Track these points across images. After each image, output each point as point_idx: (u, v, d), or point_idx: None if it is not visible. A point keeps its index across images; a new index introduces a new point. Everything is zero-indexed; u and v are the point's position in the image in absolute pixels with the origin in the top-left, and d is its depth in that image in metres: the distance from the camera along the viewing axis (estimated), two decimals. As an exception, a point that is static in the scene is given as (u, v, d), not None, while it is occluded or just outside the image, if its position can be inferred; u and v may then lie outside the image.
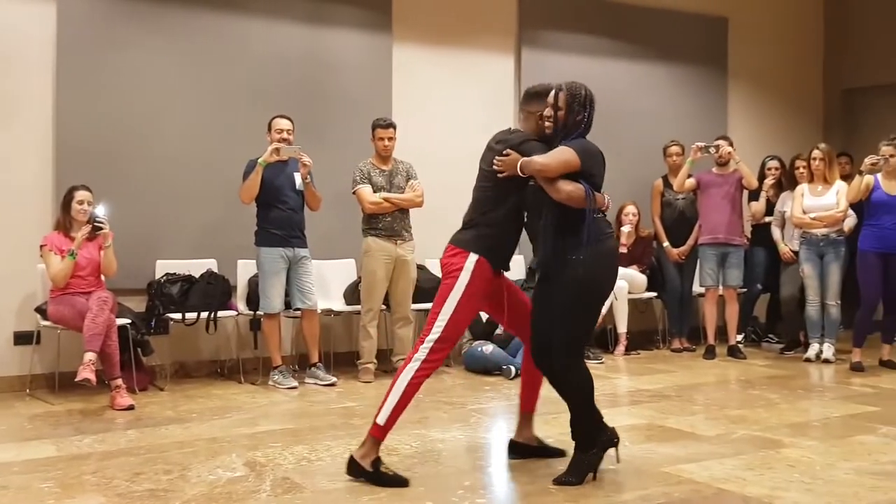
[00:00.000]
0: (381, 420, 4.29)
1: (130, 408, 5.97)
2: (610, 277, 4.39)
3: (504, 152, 4.34)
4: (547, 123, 4.35)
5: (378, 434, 4.30)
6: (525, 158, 4.24)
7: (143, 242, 7.10)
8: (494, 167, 4.37)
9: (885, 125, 9.50)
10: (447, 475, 4.48)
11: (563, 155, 4.20)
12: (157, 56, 7.22)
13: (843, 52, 10.73)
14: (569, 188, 4.18)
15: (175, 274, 7.06)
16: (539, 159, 4.20)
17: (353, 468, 4.30)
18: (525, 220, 4.49)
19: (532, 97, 4.54)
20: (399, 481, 4.23)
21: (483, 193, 4.52)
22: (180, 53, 7.32)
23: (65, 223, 6.49)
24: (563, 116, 4.29)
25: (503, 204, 4.41)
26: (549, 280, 4.29)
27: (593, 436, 4.35)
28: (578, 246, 4.17)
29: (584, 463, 4.30)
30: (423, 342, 4.30)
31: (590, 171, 4.24)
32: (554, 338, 4.27)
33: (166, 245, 7.23)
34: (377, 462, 4.27)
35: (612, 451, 4.41)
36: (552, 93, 4.35)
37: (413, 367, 4.29)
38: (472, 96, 8.60)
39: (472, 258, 4.34)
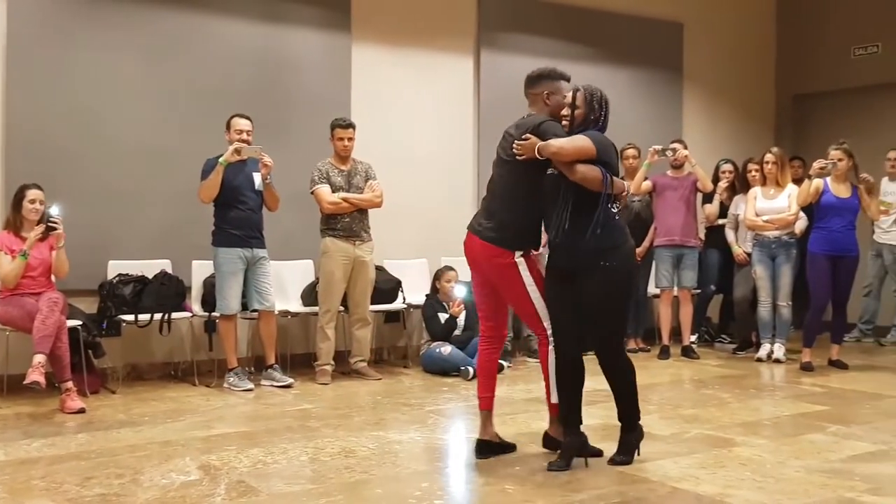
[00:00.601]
0: (554, 399, 4.64)
1: (81, 411, 5.87)
2: (638, 269, 4.68)
3: (523, 137, 4.44)
4: (564, 122, 4.50)
5: (557, 412, 4.67)
6: (542, 142, 4.36)
7: (95, 242, 7.00)
8: (514, 151, 4.46)
9: (834, 130, 9.66)
10: (404, 477, 4.46)
11: (579, 141, 4.37)
12: (110, 52, 7.12)
13: (795, 57, 10.88)
14: (584, 168, 4.34)
15: (128, 275, 6.97)
16: (555, 142, 4.35)
17: (549, 442, 4.78)
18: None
19: (535, 80, 4.69)
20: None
21: (504, 184, 4.62)
22: (135, 49, 7.23)
23: (15, 222, 6.36)
24: (581, 115, 4.47)
25: (525, 194, 4.55)
26: (580, 278, 4.45)
27: (636, 417, 4.68)
28: (594, 234, 4.37)
29: (631, 442, 4.65)
30: (545, 337, 4.61)
31: (605, 159, 4.41)
32: (602, 331, 4.53)
33: (119, 245, 7.13)
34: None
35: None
36: (570, 92, 4.53)
37: (552, 349, 4.60)
38: (432, 97, 8.59)
39: (518, 255, 4.58)
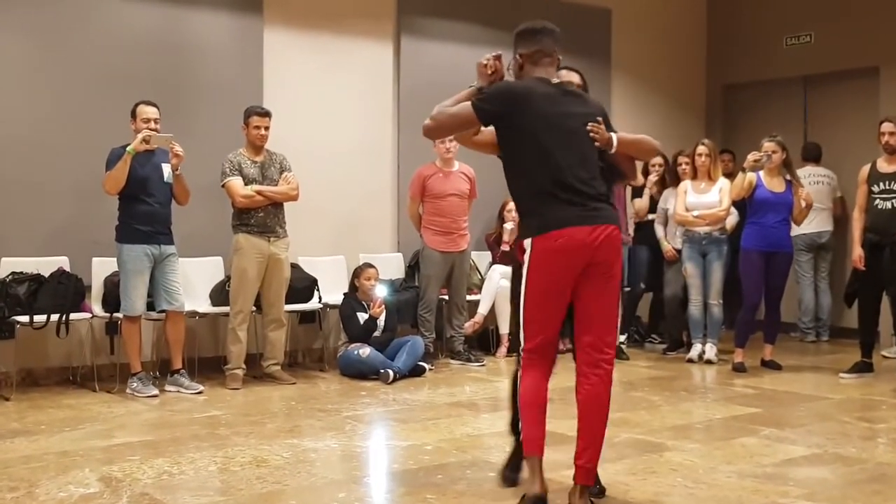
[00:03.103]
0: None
1: (-29, 419, 5.74)
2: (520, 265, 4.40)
3: (594, 121, 4.12)
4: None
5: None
6: (617, 135, 4.17)
7: (-13, 238, 6.84)
8: (590, 132, 4.09)
9: (766, 121, 9.88)
10: (320, 487, 4.44)
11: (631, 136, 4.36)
12: None
13: (726, 46, 11.06)
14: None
15: (22, 273, 6.82)
16: (627, 138, 4.27)
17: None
18: None
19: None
20: None
21: (590, 154, 4.12)
22: (27, 31, 7.05)
23: None
24: None
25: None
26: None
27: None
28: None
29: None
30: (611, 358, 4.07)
31: None
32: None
33: (12, 242, 6.96)
34: None
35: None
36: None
37: None
38: (349, 84, 8.54)
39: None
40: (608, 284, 4.00)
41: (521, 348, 4.03)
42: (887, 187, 7.39)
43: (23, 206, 7.00)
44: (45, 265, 6.93)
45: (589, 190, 3.95)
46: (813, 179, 9.32)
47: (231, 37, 7.95)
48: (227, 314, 7.23)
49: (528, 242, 3.95)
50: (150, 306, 6.91)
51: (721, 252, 8.20)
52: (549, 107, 4.00)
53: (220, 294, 7.44)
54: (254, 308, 7.27)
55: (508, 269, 8.44)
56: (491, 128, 4.12)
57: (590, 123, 4.06)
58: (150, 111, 6.78)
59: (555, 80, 4.14)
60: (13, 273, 6.80)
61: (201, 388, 6.83)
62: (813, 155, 9.60)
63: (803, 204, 7.72)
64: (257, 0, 8.06)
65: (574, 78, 4.44)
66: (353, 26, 8.61)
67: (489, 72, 4.10)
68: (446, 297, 8.29)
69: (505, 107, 3.99)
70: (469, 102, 4.01)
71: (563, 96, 4.08)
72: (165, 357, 7.15)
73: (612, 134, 4.15)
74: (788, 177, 7.79)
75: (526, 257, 3.95)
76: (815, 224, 9.15)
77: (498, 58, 4.12)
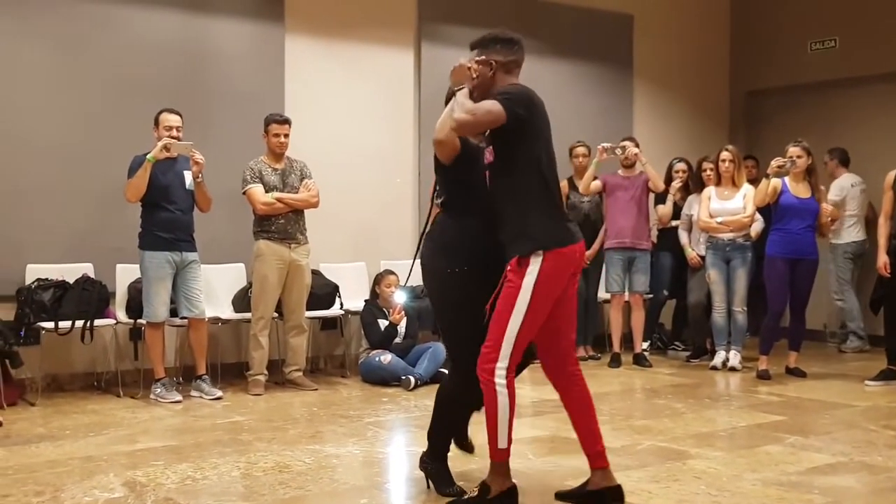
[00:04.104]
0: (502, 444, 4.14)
1: (-3, 425, 5.79)
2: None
3: None
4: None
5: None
6: None
7: (12, 245, 6.92)
8: None
9: (789, 128, 9.84)
10: (342, 493, 4.46)
11: None
12: (23, 43, 7.02)
13: (749, 52, 11.04)
14: None
15: (47, 279, 6.88)
16: None
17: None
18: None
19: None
20: None
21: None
22: (51, 40, 7.13)
23: None
24: None
25: None
26: None
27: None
28: None
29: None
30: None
31: None
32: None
33: (37, 248, 7.03)
34: None
35: None
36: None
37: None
38: (370, 92, 8.58)
39: None
40: (573, 294, 4.18)
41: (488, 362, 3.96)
42: None
43: (48, 213, 7.07)
44: (69, 272, 6.99)
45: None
46: (861, 188, 9.33)
47: (252, 45, 8.01)
48: (249, 320, 7.28)
49: (536, 258, 3.91)
50: (174, 312, 6.96)
51: (745, 259, 8.17)
52: (546, 116, 4.19)
53: (242, 301, 7.48)
54: (275, 314, 7.31)
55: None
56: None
57: None
58: (172, 119, 6.83)
59: None
60: (38, 280, 6.86)
61: (220, 393, 6.87)
62: (845, 160, 9.56)
63: (828, 218, 7.74)
64: (279, 8, 8.11)
65: None
66: (374, 34, 8.65)
67: (474, 75, 4.18)
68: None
69: (528, 112, 4.06)
70: (496, 102, 4.00)
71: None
72: (189, 363, 7.20)
73: None
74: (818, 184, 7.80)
75: (533, 270, 3.91)
76: (862, 232, 9.18)
77: (481, 62, 4.21)
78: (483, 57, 4.22)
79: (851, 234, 9.31)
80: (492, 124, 4.04)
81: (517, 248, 3.98)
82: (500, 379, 3.94)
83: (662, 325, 9.67)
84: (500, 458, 4.05)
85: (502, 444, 4.00)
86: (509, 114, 3.97)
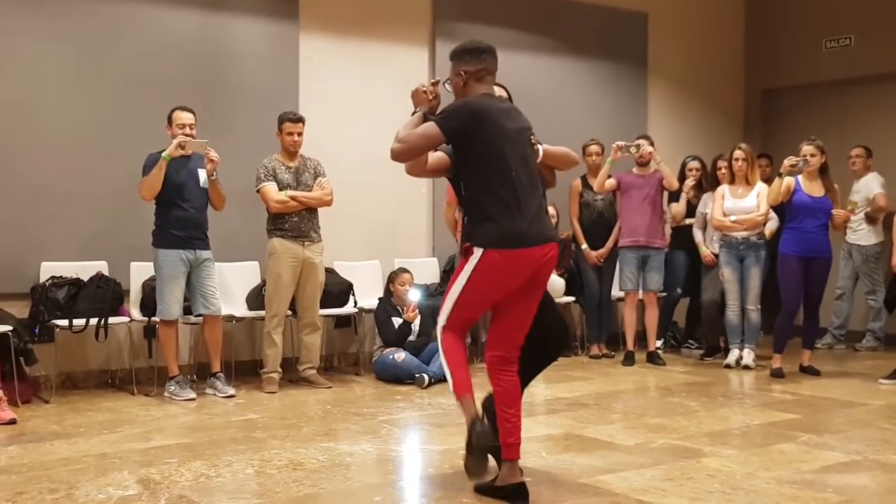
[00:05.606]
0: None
1: (12, 422, 5.79)
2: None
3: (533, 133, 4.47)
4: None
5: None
6: (543, 146, 4.55)
7: (27, 243, 6.93)
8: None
9: (803, 126, 9.77)
10: (356, 490, 4.46)
11: None
12: (39, 41, 7.03)
13: (764, 50, 11.00)
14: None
15: (61, 277, 6.89)
16: (551, 150, 4.64)
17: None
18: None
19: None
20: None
21: (534, 176, 4.35)
22: (67, 38, 7.14)
23: None
24: None
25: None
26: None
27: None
28: None
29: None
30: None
31: None
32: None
33: (52, 246, 7.05)
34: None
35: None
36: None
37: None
38: (385, 90, 8.56)
39: None
40: (537, 295, 4.27)
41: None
42: None
43: (62, 211, 7.09)
44: (84, 269, 7.00)
45: (536, 203, 4.20)
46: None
47: (267, 43, 8.01)
48: (262, 318, 7.29)
49: (478, 251, 4.12)
50: (188, 310, 6.98)
51: (759, 257, 8.14)
52: (506, 121, 4.25)
53: (256, 298, 7.49)
54: (289, 312, 7.32)
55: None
56: (439, 153, 4.37)
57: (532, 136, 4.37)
58: (185, 117, 6.84)
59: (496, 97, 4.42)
60: (53, 277, 6.88)
61: (233, 391, 6.87)
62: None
63: (840, 220, 7.76)
64: (293, 6, 8.12)
65: (503, 93, 4.63)
66: (389, 32, 8.65)
67: (430, 97, 4.39)
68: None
69: (468, 123, 4.16)
70: (432, 123, 4.19)
71: (513, 112, 4.36)
72: (203, 360, 7.21)
73: (539, 146, 4.47)
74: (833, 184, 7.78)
75: (472, 261, 4.14)
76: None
77: (436, 84, 4.43)
78: (437, 79, 4.49)
79: (881, 233, 9.28)
80: (429, 146, 4.25)
81: (467, 237, 4.21)
82: (439, 334, 4.37)
83: (676, 323, 9.65)
84: (457, 397, 4.26)
85: (450, 386, 4.28)
86: (445, 131, 4.16)
